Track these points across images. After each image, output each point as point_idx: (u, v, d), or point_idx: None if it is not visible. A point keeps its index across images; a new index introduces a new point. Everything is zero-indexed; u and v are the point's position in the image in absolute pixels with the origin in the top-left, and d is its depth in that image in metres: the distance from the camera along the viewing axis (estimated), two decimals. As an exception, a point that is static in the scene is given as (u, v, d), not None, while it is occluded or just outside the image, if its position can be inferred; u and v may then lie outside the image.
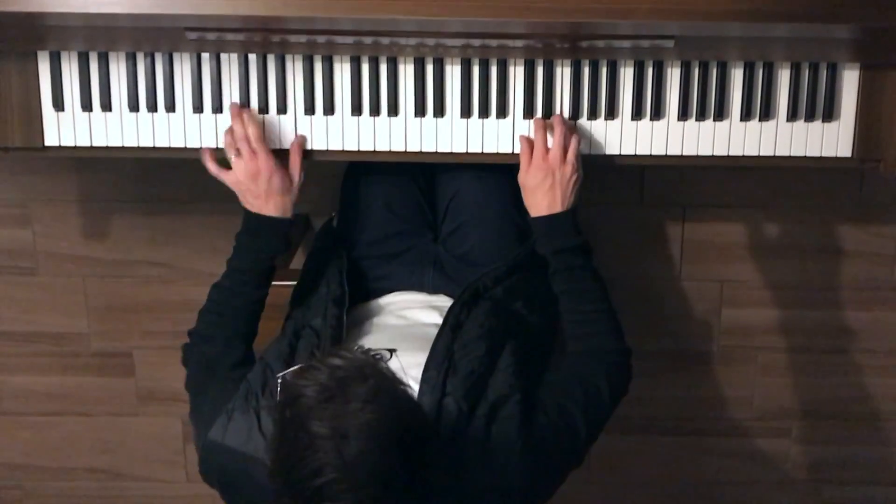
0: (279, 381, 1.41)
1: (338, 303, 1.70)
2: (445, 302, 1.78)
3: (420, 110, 1.79)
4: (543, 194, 1.71)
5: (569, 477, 1.59)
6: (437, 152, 1.81)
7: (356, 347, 1.34)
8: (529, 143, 1.75)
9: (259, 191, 1.72)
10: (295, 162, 1.76)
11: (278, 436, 1.25)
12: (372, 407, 1.21)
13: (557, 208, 1.71)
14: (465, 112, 1.79)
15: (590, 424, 1.57)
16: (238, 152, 1.73)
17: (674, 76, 1.79)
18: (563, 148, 1.72)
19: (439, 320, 1.68)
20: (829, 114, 1.81)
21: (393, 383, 1.27)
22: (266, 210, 1.73)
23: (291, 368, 1.40)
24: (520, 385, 1.53)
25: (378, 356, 1.32)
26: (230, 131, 1.75)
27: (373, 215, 1.92)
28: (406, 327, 1.73)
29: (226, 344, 1.70)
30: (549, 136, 1.75)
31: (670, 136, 1.82)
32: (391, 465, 1.21)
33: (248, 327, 1.74)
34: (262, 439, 1.46)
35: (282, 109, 1.79)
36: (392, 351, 1.55)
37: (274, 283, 1.82)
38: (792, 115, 1.81)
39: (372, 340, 1.66)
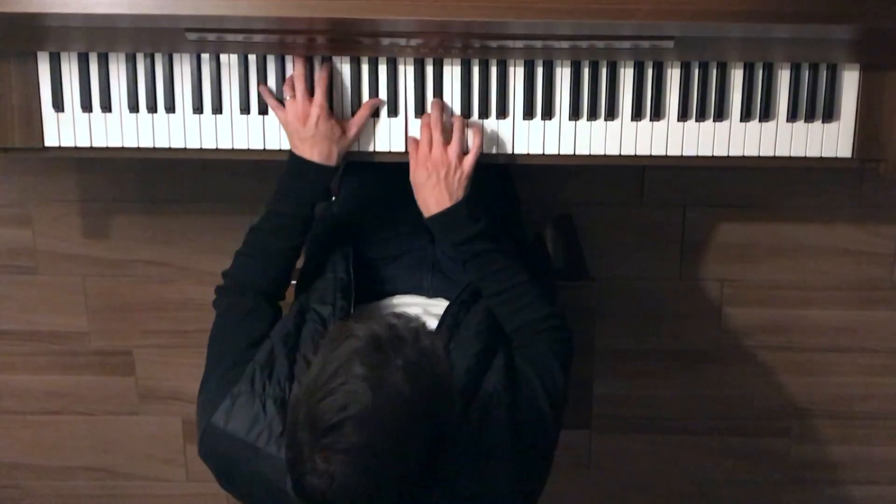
0: (330, 329, 1.39)
1: (345, 294, 1.70)
2: (444, 308, 1.78)
3: (420, 111, 1.79)
4: (429, 192, 1.71)
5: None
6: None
7: (414, 317, 1.33)
8: (416, 143, 1.76)
9: (305, 134, 1.72)
10: (360, 117, 1.77)
11: (319, 369, 1.24)
12: (414, 368, 1.21)
13: (447, 203, 1.70)
14: (465, 113, 1.79)
15: (553, 407, 1.55)
16: (293, 93, 1.74)
17: (674, 77, 1.79)
18: (444, 144, 1.72)
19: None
20: (829, 114, 1.81)
21: (442, 358, 1.27)
22: (310, 155, 1.72)
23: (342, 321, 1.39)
24: (511, 388, 1.52)
25: (434, 332, 1.33)
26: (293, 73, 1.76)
27: (371, 216, 1.92)
28: None
29: (254, 301, 1.69)
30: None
31: (670, 137, 1.82)
32: (411, 430, 1.21)
33: (279, 279, 1.73)
34: (267, 430, 1.46)
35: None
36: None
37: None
38: (792, 116, 1.81)
39: None
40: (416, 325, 1.28)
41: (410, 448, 1.22)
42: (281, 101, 1.77)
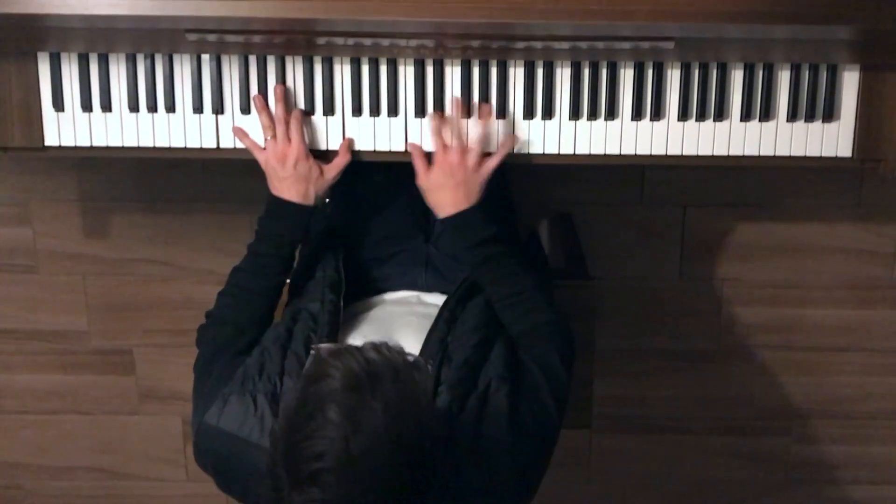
0: (313, 351, 1.36)
1: (334, 289, 1.70)
2: (439, 299, 1.79)
3: (420, 111, 1.79)
4: (447, 194, 1.72)
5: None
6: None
7: (396, 347, 1.28)
8: (417, 148, 1.77)
9: (284, 174, 1.74)
10: (339, 161, 1.78)
11: (295, 407, 1.22)
12: (394, 412, 1.18)
13: (464, 205, 1.72)
14: (466, 113, 1.79)
15: (557, 403, 1.56)
16: (274, 134, 1.75)
17: (674, 77, 1.79)
18: (461, 148, 1.73)
19: (434, 312, 1.69)
20: (829, 114, 1.81)
21: (422, 396, 1.23)
22: (288, 195, 1.74)
23: (328, 344, 1.38)
24: (509, 377, 1.53)
25: (416, 363, 1.28)
26: (268, 113, 1.76)
27: (364, 217, 1.93)
28: (401, 316, 1.74)
29: (239, 332, 1.69)
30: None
31: (670, 137, 1.82)
32: (392, 475, 1.19)
33: (261, 319, 1.73)
34: (258, 424, 1.46)
35: (282, 110, 1.79)
36: (428, 362, 1.53)
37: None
38: (792, 116, 1.81)
39: (368, 330, 1.66)
40: (395, 360, 1.24)
41: (391, 489, 1.19)
42: (259, 144, 1.78)
